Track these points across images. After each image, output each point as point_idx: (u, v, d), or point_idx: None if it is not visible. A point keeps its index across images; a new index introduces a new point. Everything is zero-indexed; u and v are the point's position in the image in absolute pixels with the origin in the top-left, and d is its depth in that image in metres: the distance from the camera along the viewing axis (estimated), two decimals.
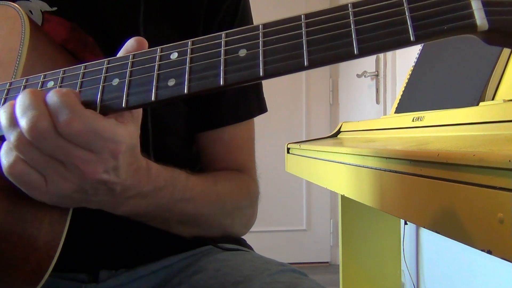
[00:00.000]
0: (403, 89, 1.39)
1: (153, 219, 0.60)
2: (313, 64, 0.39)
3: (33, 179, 0.43)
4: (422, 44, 1.37)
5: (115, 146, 0.43)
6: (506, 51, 0.91)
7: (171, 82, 0.42)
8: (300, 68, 0.39)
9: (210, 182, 0.65)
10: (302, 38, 0.39)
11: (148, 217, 0.59)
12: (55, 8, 0.63)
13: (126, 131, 0.43)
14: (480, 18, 0.35)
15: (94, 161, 0.43)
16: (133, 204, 0.53)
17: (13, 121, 0.42)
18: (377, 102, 2.47)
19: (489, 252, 0.43)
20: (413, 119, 1.03)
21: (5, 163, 0.43)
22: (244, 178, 0.73)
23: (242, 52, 0.41)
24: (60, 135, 0.41)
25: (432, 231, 0.54)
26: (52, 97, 0.42)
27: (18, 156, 0.43)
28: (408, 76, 1.40)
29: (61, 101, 0.41)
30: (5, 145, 0.44)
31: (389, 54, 2.34)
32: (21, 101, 0.42)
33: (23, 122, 0.41)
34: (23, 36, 0.54)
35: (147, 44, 0.46)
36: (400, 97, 1.38)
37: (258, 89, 0.76)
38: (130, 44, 0.46)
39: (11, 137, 0.42)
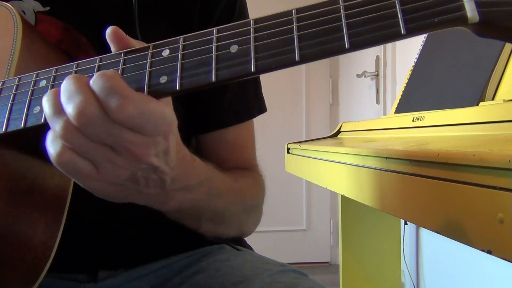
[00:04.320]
0: (403, 89, 1.39)
1: (189, 217, 0.60)
2: (304, 59, 0.39)
3: (82, 167, 0.42)
4: (423, 44, 1.37)
5: (166, 127, 0.42)
6: (506, 51, 0.91)
7: (163, 79, 0.42)
8: (292, 63, 0.39)
9: (232, 178, 0.66)
10: (294, 33, 0.39)
11: (187, 213, 0.58)
12: (48, 8, 0.62)
13: (172, 111, 0.42)
14: (470, 10, 0.35)
15: (146, 143, 0.41)
16: (180, 199, 0.53)
17: (58, 109, 0.41)
18: (377, 102, 2.47)
19: (489, 252, 0.43)
20: (413, 119, 1.03)
21: (52, 152, 0.42)
22: (255, 176, 0.74)
23: (234, 48, 0.41)
24: (110, 120, 0.40)
25: (432, 231, 0.54)
26: (98, 81, 0.40)
27: (65, 145, 0.41)
28: (408, 76, 1.40)
29: (110, 85, 0.40)
30: (50, 133, 0.42)
31: (389, 54, 2.34)
32: (65, 87, 0.41)
33: (69, 109, 0.40)
34: (15, 35, 0.54)
35: (120, 31, 0.44)
36: (400, 97, 1.38)
37: (257, 89, 0.76)
38: (108, 36, 0.45)
39: (56, 126, 0.41)
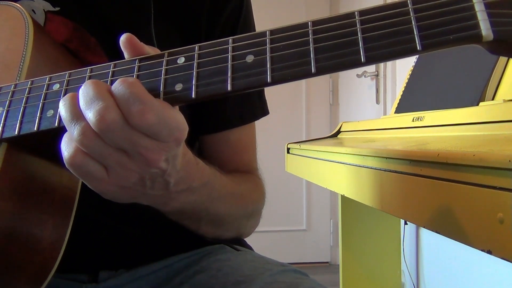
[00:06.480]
0: (403, 89, 1.39)
1: (189, 218, 0.61)
2: (320, 71, 0.39)
3: (94, 170, 0.42)
4: None
5: (179, 134, 0.42)
6: None
7: (179, 87, 0.42)
8: (308, 75, 0.39)
9: (234, 182, 0.66)
10: (310, 45, 0.39)
11: (187, 215, 0.59)
12: (58, 8, 0.63)
13: (184, 118, 0.43)
14: (485, 28, 0.36)
15: (159, 148, 0.42)
16: (183, 200, 0.53)
17: (76, 114, 0.41)
18: (377, 102, 2.47)
19: (489, 252, 0.43)
20: (413, 119, 1.03)
21: (66, 154, 0.42)
22: (256, 180, 0.74)
23: (250, 58, 0.41)
24: (129, 126, 0.40)
25: (432, 231, 0.54)
26: (119, 88, 0.40)
27: (79, 148, 0.41)
28: (408, 76, 1.40)
29: (131, 92, 0.40)
30: (66, 136, 0.42)
31: None
32: (85, 92, 0.41)
33: (89, 114, 0.40)
34: (26, 37, 0.54)
35: (135, 38, 0.45)
36: (400, 97, 1.38)
37: (261, 92, 0.77)
38: (122, 43, 0.45)
39: (73, 130, 0.41)
